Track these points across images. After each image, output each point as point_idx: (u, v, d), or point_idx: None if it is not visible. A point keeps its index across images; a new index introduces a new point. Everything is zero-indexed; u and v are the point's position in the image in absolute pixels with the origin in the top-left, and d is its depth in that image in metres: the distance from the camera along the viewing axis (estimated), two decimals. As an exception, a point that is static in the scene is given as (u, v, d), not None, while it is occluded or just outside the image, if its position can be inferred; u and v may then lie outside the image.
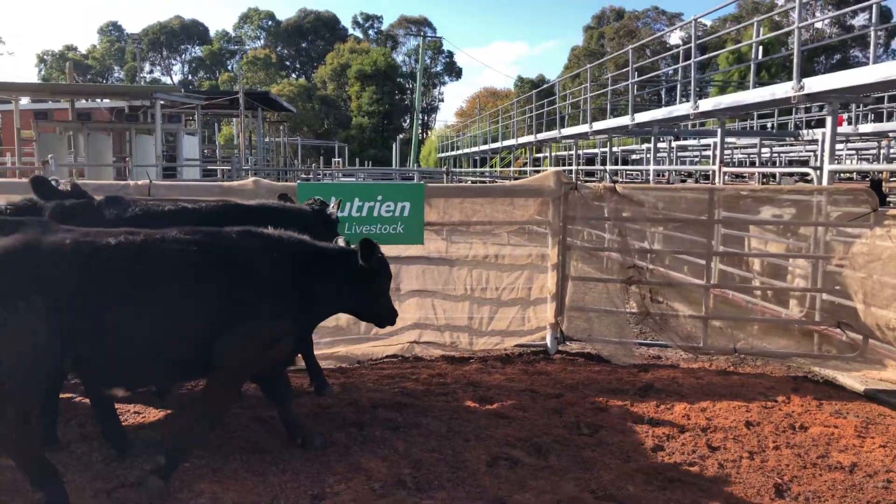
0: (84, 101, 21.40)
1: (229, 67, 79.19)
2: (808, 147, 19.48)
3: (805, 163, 19.76)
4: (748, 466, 4.54)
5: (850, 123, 19.12)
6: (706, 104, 10.93)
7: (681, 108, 11.85)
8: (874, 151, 19.11)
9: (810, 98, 8.31)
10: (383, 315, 4.79)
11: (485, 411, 5.44)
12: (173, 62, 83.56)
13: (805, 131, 16.84)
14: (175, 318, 3.90)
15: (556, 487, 4.14)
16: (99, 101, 22.37)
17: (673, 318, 7.23)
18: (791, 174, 14.31)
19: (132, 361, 3.94)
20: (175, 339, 3.95)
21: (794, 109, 24.00)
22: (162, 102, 17.31)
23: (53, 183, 5.32)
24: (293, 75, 78.04)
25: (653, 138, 13.65)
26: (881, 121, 21.53)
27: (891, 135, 16.64)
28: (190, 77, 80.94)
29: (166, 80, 79.76)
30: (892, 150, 18.20)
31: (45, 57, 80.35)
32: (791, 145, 20.65)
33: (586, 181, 10.81)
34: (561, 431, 5.04)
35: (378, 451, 4.65)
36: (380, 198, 6.64)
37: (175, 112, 21.17)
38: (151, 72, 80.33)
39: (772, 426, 5.26)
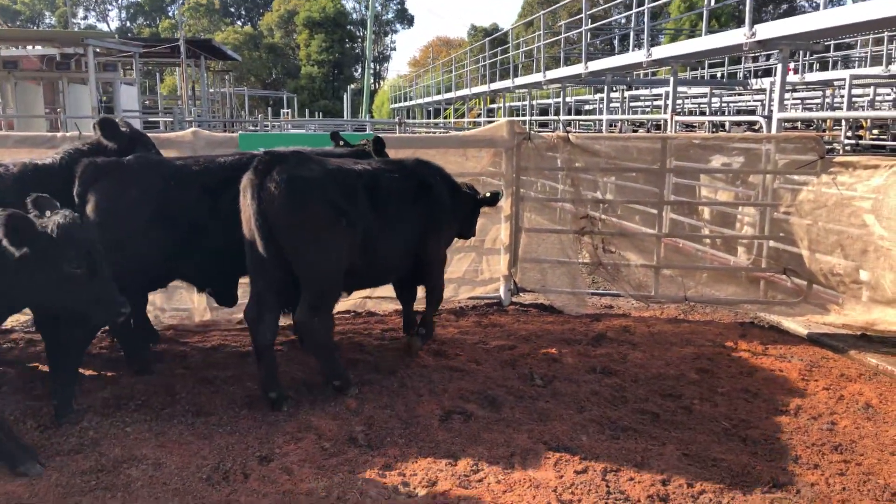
0: (11, 48, 20.05)
1: (170, 14, 75.50)
2: (756, 97, 19.73)
3: (752, 112, 20.02)
4: (699, 412, 4.60)
5: (796, 73, 19.37)
6: (659, 52, 10.84)
7: (634, 56, 11.74)
8: (819, 101, 19.43)
9: (762, 45, 8.29)
10: (472, 233, 6.11)
11: (438, 365, 5.37)
12: (109, 7, 79.21)
13: (753, 81, 16.99)
14: (405, 229, 5.02)
15: (510, 440, 4.12)
16: (28, 48, 20.98)
17: (625, 267, 7.26)
18: (740, 123, 14.44)
19: (385, 265, 5.10)
20: (405, 245, 5.09)
21: (742, 59, 24.24)
22: (96, 50, 16.33)
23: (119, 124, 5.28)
24: (238, 22, 74.92)
25: (606, 87, 13.54)
26: (826, 69, 21.93)
27: (836, 83, 16.88)
28: (128, 24, 76.94)
29: (102, 26, 75.62)
30: (836, 99, 18.53)
31: (-32, 1, 75.15)
32: (739, 95, 20.85)
33: (539, 132, 10.67)
34: (515, 383, 5.02)
35: (329, 409, 4.55)
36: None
37: (111, 61, 20.03)
38: (86, 17, 76.03)
39: (721, 371, 5.35)
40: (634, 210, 8.94)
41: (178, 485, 3.65)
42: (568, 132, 6.91)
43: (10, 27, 42.63)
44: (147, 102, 25.76)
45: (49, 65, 18.76)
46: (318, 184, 4.44)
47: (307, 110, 45.49)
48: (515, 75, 20.44)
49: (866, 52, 20.82)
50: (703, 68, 23.11)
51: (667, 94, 17.00)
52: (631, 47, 14.29)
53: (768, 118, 7.69)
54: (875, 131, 16.23)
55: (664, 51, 10.88)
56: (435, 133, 21.36)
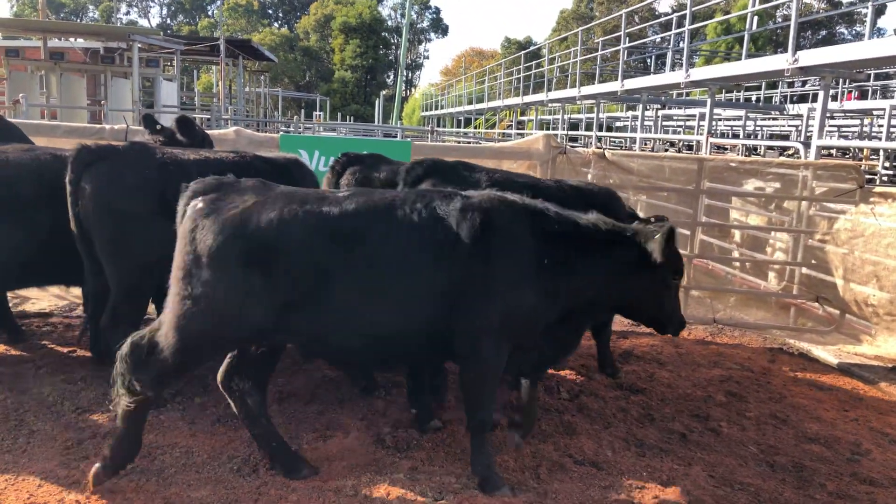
0: (57, 39, 20.56)
1: (209, 13, 76.78)
2: (791, 122, 19.53)
3: (786, 137, 19.83)
4: (727, 435, 4.58)
5: (833, 100, 19.14)
6: (698, 73, 10.81)
7: (672, 77, 11.71)
8: (856, 129, 19.18)
9: (804, 71, 8.24)
10: None
11: (465, 373, 5.40)
12: (151, 4, 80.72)
13: (790, 106, 16.83)
14: None
15: (537, 451, 4.14)
16: (73, 40, 21.51)
17: (654, 286, 7.23)
18: (775, 148, 14.31)
19: None
20: None
21: (779, 84, 24.03)
22: (140, 45, 16.70)
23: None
24: (275, 24, 75.96)
25: (640, 106, 13.51)
26: (865, 98, 21.63)
27: (875, 112, 16.67)
28: (168, 21, 78.39)
29: (143, 22, 77.11)
30: (874, 129, 18.27)
31: (16, -8, 77.12)
32: (773, 119, 20.66)
33: (572, 146, 10.70)
34: (541, 396, 5.03)
35: (356, 410, 4.60)
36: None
37: (153, 56, 20.47)
38: (128, 13, 77.54)
39: (749, 395, 5.32)
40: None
41: (209, 473, 3.73)
42: (603, 148, 6.92)
43: (57, 20, 43.68)
44: (184, 99, 26.20)
45: (93, 58, 19.21)
46: None
47: (339, 114, 45.88)
48: (549, 89, 20.49)
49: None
50: (738, 91, 22.93)
51: (701, 115, 16.93)
52: (668, 67, 14.22)
53: (807, 144, 7.63)
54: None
55: (703, 73, 10.85)
56: (465, 143, 21.47)
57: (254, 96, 31.29)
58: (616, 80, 14.16)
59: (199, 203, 3.55)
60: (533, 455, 4.09)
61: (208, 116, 15.83)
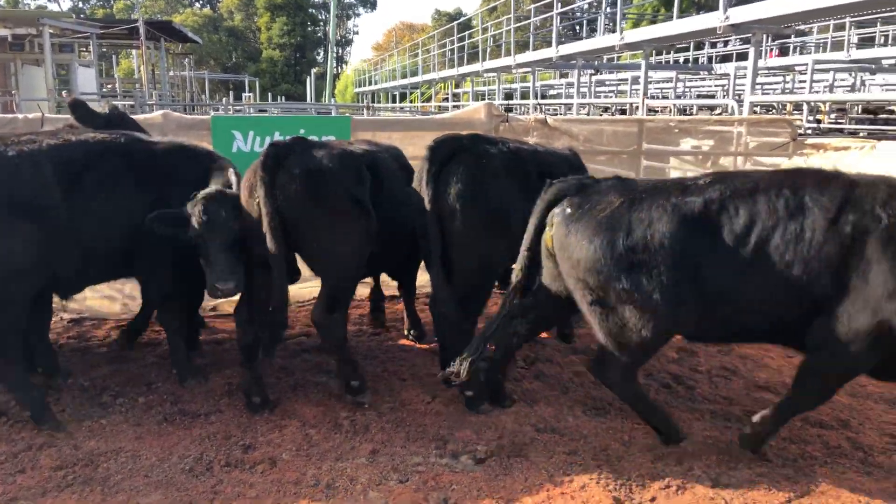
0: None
1: (124, -5, 73.12)
2: (718, 82, 20.06)
3: (712, 97, 20.35)
4: (683, 391, 4.65)
5: (759, 57, 19.67)
6: (632, 35, 10.85)
7: (607, 39, 11.74)
8: (779, 85, 19.79)
9: (735, 29, 8.35)
10: None
11: (420, 350, 5.33)
12: (60, -13, 76.34)
13: (717, 66, 17.20)
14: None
15: (498, 422, 4.10)
16: (-25, 28, 20.07)
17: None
18: (706, 107, 14.60)
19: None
20: None
21: (704, 46, 24.57)
22: (51, 30, 15.71)
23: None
24: (197, 5, 73.03)
25: (577, 71, 13.53)
26: (786, 55, 22.32)
27: (797, 68, 17.21)
28: (81, 5, 74.32)
29: (53, 6, 72.87)
30: (796, 85, 18.89)
31: None
32: (701, 80, 21.17)
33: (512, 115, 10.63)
34: (498, 366, 4.99)
35: (311, 396, 4.46)
36: (302, 131, 6.21)
37: (67, 42, 19.31)
38: (35, -2, 73.20)
39: (699, 350, 5.40)
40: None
41: (159, 476, 3.55)
42: (545, 115, 6.87)
43: (-45, 7, 40.75)
44: (105, 86, 24.93)
45: (0, 46, 18.01)
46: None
47: (269, 94, 44.65)
48: (484, 59, 20.34)
49: (825, 38, 21.24)
50: (668, 53, 23.34)
51: (633, 78, 17.16)
52: (600, 32, 14.27)
53: (740, 101, 7.76)
54: (833, 115, 16.62)
55: (637, 34, 10.90)
56: (402, 117, 21.18)
57: (179, 80, 30.06)
58: (550, 47, 14.12)
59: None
60: (495, 426, 4.04)
61: (132, 103, 15.06)
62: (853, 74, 16.93)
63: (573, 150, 5.32)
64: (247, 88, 36.98)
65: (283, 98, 44.20)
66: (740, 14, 8.14)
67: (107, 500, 3.33)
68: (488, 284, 4.61)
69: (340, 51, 74.51)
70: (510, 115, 7.08)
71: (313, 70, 48.37)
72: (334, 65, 56.33)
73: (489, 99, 22.82)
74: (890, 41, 20.87)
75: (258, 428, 4.05)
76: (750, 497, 3.34)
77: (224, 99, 26.32)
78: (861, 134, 10.00)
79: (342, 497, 3.39)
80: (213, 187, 4.15)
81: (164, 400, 4.38)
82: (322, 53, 66.57)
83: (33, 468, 3.57)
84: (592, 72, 16.74)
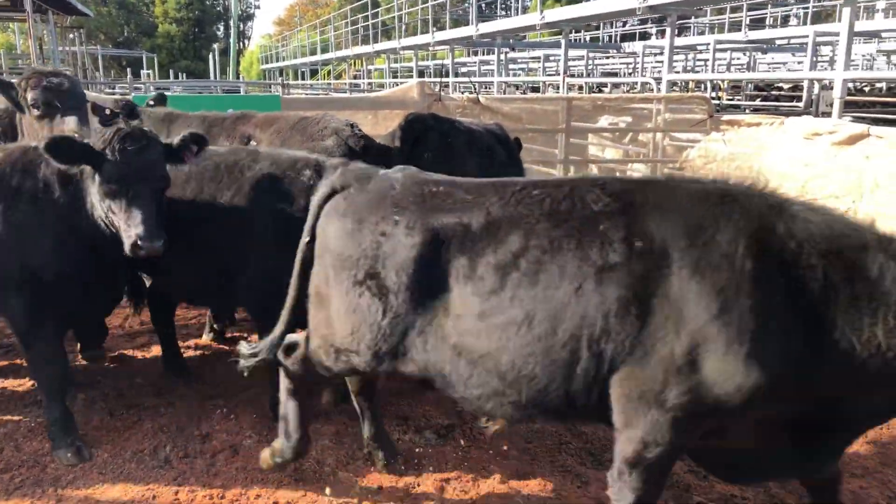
0: None
1: (-2, -39, 67.13)
2: (623, 60, 20.89)
3: (616, 74, 21.19)
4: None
5: (658, 38, 20.62)
6: (553, 14, 11.06)
7: (527, 19, 11.91)
8: (680, 64, 20.83)
9: (653, 9, 8.68)
10: None
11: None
12: (-79, -48, 69.18)
13: (625, 44, 17.83)
14: None
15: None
16: None
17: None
18: (633, 84, 15.15)
19: None
20: None
21: (612, 24, 25.40)
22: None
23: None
24: (81, -26, 68.17)
25: (497, 49, 13.66)
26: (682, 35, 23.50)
27: (699, 48, 18.12)
28: (-54, -29, 67.73)
29: (-86, -26, 66.06)
30: (696, 64, 19.90)
31: None
32: (608, 57, 21.95)
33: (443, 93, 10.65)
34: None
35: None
36: (230, 111, 6.01)
37: (-62, 13, 17.61)
38: None
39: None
40: (533, 172, 9.21)
41: (115, 473, 3.41)
42: (477, 93, 6.95)
43: None
44: (-15, 62, 22.93)
45: None
46: None
47: (170, 71, 42.51)
48: (401, 36, 20.15)
49: (721, 19, 22.43)
50: (586, 31, 24.06)
51: (545, 56, 17.55)
52: (515, 11, 14.45)
53: (658, 79, 8.11)
54: (730, 92, 17.70)
55: (557, 14, 11.12)
56: (314, 95, 20.73)
57: (68, 56, 28.04)
58: (468, 25, 14.18)
59: None
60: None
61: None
62: (747, 54, 18.04)
63: (500, 126, 5.49)
64: (144, 65, 35.00)
65: (185, 75, 42.15)
66: (660, -5, 8.48)
67: (63, 500, 3.17)
68: None
69: (242, 26, 71.71)
70: (443, 93, 7.11)
71: (215, 46, 46.40)
72: (237, 40, 54.24)
73: (404, 76, 22.68)
74: (779, 22, 22.33)
75: (213, 417, 3.95)
76: None
77: (121, 76, 24.83)
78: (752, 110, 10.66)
79: (311, 479, 3.38)
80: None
81: (107, 395, 4.19)
82: (223, 29, 63.99)
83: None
84: (508, 50, 16.97)
